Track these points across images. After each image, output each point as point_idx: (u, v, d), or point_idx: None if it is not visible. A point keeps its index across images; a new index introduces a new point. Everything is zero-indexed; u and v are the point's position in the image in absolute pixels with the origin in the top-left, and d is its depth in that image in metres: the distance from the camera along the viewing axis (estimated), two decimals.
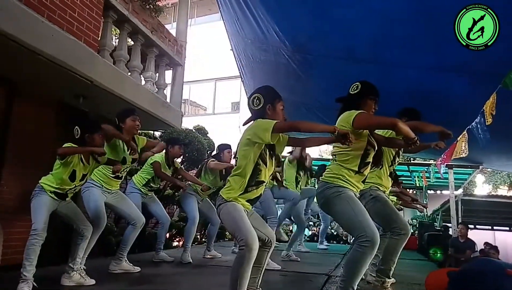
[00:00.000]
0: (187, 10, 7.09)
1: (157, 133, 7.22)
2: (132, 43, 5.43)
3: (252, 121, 2.36)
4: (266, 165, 2.30)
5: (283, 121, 2.32)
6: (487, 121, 3.04)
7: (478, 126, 3.20)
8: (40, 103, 4.61)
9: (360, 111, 2.46)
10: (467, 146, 3.61)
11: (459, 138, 3.80)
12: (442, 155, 5.11)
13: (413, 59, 3.77)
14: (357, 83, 2.62)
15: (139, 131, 4.04)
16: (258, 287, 2.41)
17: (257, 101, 2.34)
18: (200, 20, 15.72)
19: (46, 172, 3.03)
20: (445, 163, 5.20)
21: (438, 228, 9.63)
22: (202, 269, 4.10)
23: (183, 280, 3.45)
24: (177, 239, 7.37)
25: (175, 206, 7.22)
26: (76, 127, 3.01)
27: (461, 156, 3.88)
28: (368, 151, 2.51)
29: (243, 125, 2.51)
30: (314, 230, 10.07)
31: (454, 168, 8.20)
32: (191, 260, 4.38)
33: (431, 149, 2.99)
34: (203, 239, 7.40)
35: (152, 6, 5.52)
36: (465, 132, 3.66)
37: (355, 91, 2.60)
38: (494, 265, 1.99)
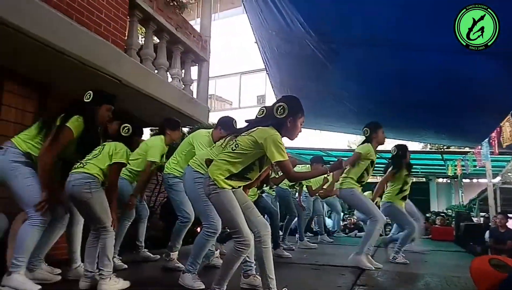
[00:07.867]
0: (211, 4, 7.08)
1: (185, 129, 7.31)
2: (158, 41, 5.49)
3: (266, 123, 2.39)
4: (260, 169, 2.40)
5: (289, 164, 2.33)
6: None
7: None
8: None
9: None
10: None
11: (502, 123, 3.61)
12: (485, 144, 4.86)
13: (436, 41, 3.64)
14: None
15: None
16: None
17: (282, 110, 2.37)
18: (223, 15, 15.74)
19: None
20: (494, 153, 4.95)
21: (475, 218, 9.27)
22: None
23: None
24: None
25: None
26: (90, 91, 2.82)
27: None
28: None
29: (256, 117, 2.62)
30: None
31: (491, 156, 7.84)
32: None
33: (466, 136, 2.87)
34: None
35: (176, 3, 5.53)
36: (509, 116, 3.50)
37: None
38: None
